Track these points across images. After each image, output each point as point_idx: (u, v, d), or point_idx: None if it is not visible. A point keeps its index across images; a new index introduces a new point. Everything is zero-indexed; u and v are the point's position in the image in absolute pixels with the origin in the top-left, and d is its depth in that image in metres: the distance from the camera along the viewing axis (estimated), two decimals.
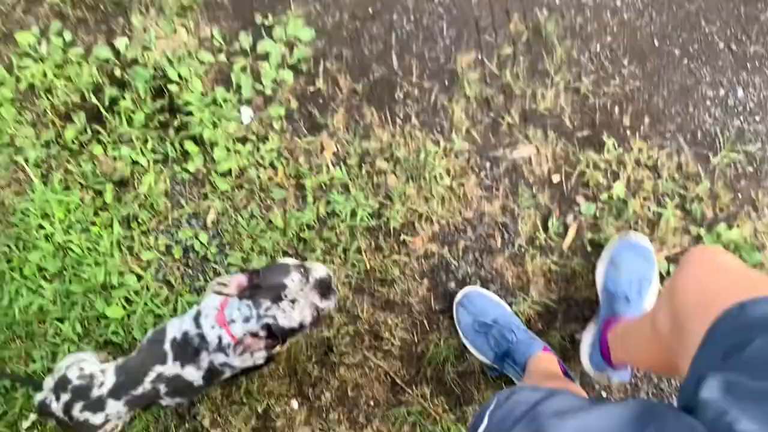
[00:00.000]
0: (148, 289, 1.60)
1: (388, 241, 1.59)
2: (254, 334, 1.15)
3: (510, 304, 1.56)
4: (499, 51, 1.61)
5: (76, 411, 1.26)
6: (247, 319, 1.18)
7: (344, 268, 1.59)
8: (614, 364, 1.34)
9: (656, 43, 1.61)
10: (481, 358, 1.53)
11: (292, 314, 1.15)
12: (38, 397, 1.31)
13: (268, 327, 1.16)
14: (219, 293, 1.10)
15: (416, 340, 1.60)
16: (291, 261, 1.24)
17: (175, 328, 1.30)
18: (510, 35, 1.62)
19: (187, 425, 1.61)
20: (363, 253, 1.59)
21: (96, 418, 1.28)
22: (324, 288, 1.20)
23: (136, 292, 1.60)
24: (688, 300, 0.75)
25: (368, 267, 1.59)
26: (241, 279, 1.14)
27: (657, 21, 1.63)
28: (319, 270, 1.21)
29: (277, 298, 1.14)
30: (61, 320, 1.61)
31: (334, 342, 1.59)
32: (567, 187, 1.58)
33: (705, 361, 0.64)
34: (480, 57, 1.61)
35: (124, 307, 1.59)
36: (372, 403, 1.60)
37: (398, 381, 1.60)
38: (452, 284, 1.59)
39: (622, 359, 1.31)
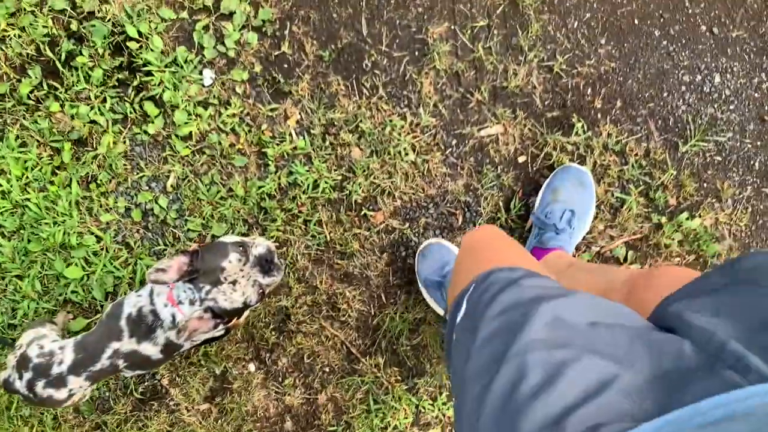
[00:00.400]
0: (107, 250, 1.60)
1: (349, 215, 1.58)
2: (200, 317, 1.15)
3: None
4: (472, 23, 1.54)
5: (39, 388, 1.28)
6: (192, 302, 1.18)
7: (305, 239, 1.59)
8: None
9: (636, 22, 1.54)
10: (437, 309, 1.56)
11: (233, 296, 1.14)
12: (2, 375, 1.33)
13: (211, 309, 1.16)
14: (156, 282, 1.09)
15: (373, 313, 1.62)
16: (230, 239, 1.22)
17: (131, 303, 1.30)
18: (485, 6, 1.55)
19: (146, 383, 1.65)
20: (324, 225, 1.58)
21: (59, 394, 1.30)
22: (266, 264, 1.19)
23: (95, 254, 1.60)
24: (662, 283, 0.75)
25: (329, 239, 1.59)
26: (182, 261, 1.12)
27: None
28: (259, 246, 1.19)
29: (216, 282, 1.14)
30: (20, 278, 1.62)
31: (292, 311, 1.61)
32: (532, 169, 1.56)
33: (680, 300, 0.66)
34: (453, 28, 1.54)
35: (83, 268, 1.60)
36: (327, 370, 1.64)
37: (353, 351, 1.63)
38: (411, 260, 1.60)
39: None
